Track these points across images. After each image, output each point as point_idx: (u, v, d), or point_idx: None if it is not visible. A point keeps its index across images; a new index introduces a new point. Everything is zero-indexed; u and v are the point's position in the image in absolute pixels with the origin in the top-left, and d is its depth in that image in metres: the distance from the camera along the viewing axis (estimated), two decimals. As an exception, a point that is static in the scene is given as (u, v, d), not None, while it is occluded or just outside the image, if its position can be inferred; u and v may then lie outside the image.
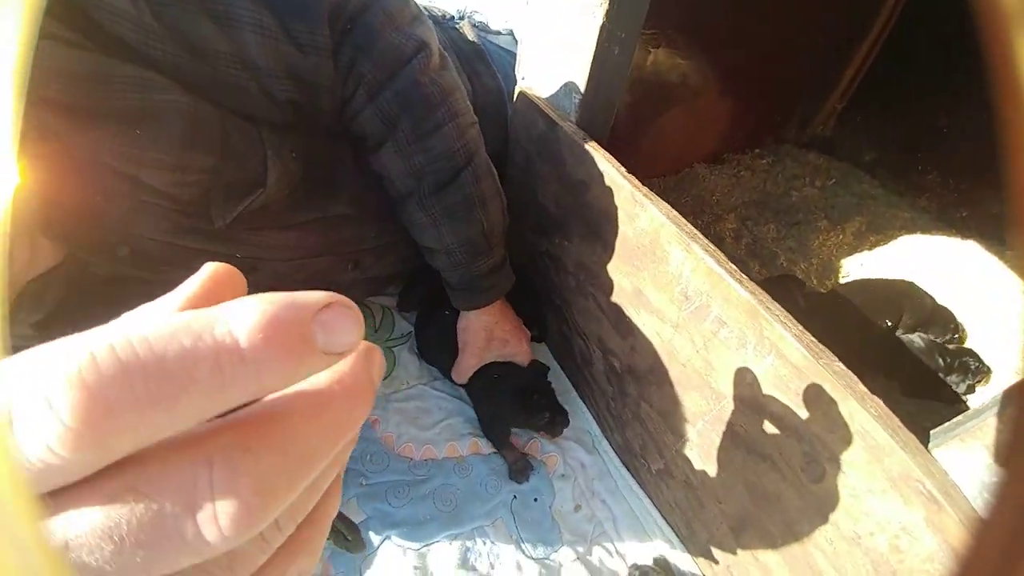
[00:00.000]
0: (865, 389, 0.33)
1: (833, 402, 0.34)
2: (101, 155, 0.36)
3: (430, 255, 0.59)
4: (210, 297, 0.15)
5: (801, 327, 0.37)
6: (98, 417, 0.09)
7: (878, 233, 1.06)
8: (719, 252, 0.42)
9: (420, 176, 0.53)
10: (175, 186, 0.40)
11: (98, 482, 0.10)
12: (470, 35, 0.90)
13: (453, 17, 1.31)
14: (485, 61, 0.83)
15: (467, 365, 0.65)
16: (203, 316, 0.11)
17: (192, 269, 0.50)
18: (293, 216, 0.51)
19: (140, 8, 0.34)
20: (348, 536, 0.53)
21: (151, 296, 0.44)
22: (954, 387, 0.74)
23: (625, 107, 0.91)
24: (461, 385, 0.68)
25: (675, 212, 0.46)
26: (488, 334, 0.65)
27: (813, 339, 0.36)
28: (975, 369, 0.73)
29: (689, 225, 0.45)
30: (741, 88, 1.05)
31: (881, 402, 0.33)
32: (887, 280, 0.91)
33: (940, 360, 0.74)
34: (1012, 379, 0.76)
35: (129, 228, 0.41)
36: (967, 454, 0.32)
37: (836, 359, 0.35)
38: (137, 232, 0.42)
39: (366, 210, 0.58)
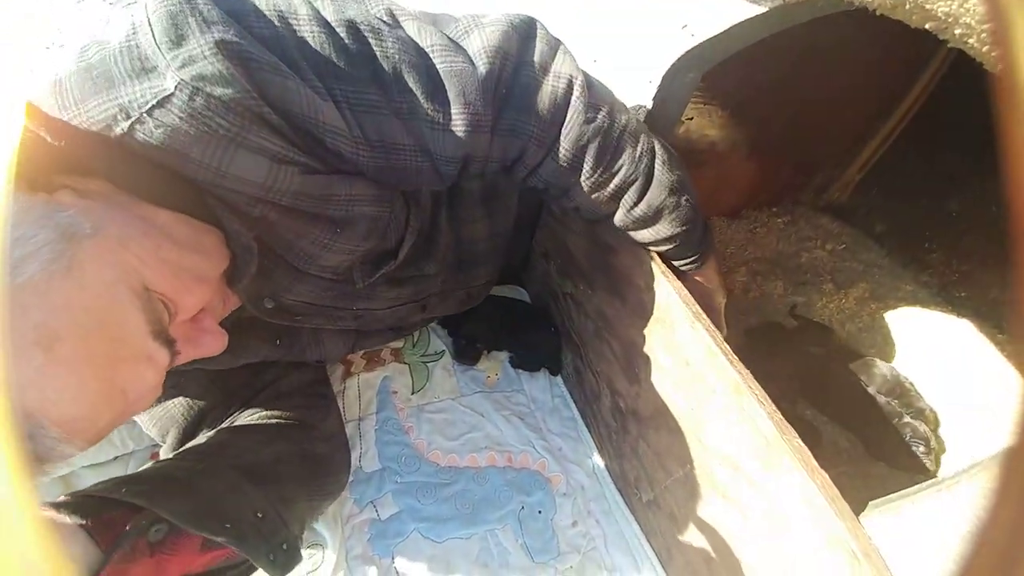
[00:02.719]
0: (815, 463, 0.42)
1: (789, 470, 0.43)
2: (301, 242, 0.46)
3: (650, 244, 0.59)
4: None
5: (773, 405, 0.46)
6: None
7: (879, 301, 1.13)
8: (718, 333, 0.52)
9: (619, 196, 0.54)
10: (343, 263, 0.51)
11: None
12: None
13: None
14: None
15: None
16: None
17: (318, 318, 0.64)
18: (400, 274, 0.62)
19: (350, 124, 0.41)
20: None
21: (283, 327, 0.59)
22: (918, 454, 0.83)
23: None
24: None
25: (686, 291, 0.56)
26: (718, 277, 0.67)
27: (782, 417, 0.45)
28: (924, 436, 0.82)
29: (696, 306, 0.54)
30: (767, 155, 1.13)
31: (826, 475, 0.42)
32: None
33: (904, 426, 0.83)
34: (973, 457, 0.84)
35: (280, 291, 0.52)
36: (887, 524, 0.40)
37: (797, 436, 0.44)
38: (286, 295, 0.52)
39: (443, 267, 0.68)
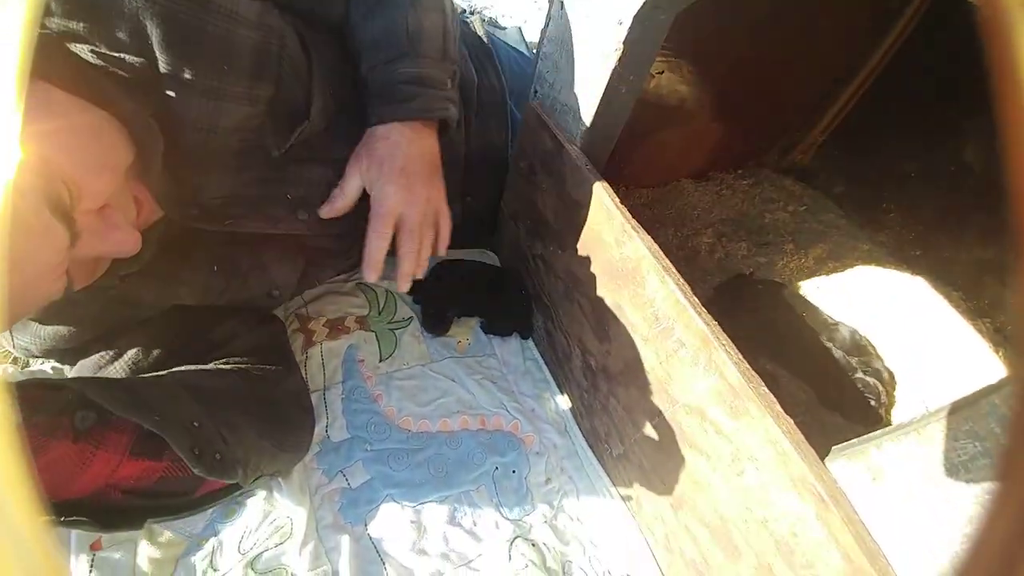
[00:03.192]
0: (780, 410, 0.43)
1: (756, 417, 0.44)
2: (193, 97, 0.43)
3: (360, 65, 0.55)
4: None
5: (740, 355, 0.46)
6: None
7: (837, 261, 1.17)
8: (687, 286, 0.51)
9: None
10: (247, 119, 0.47)
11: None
12: (479, 31, 0.95)
13: (465, 11, 1.34)
14: (492, 60, 0.88)
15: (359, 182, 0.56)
16: None
17: (252, 217, 0.60)
18: (331, 151, 0.57)
19: None
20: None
21: (219, 249, 0.57)
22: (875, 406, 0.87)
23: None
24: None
25: (656, 246, 0.55)
26: (407, 159, 0.55)
27: (748, 367, 0.45)
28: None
29: (666, 259, 0.54)
30: (734, 115, 1.13)
31: (791, 421, 0.43)
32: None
33: (858, 380, 0.87)
34: (926, 405, 0.89)
35: (198, 190, 0.49)
36: (853, 468, 0.42)
37: (763, 384, 0.45)
38: (206, 193, 0.50)
39: None
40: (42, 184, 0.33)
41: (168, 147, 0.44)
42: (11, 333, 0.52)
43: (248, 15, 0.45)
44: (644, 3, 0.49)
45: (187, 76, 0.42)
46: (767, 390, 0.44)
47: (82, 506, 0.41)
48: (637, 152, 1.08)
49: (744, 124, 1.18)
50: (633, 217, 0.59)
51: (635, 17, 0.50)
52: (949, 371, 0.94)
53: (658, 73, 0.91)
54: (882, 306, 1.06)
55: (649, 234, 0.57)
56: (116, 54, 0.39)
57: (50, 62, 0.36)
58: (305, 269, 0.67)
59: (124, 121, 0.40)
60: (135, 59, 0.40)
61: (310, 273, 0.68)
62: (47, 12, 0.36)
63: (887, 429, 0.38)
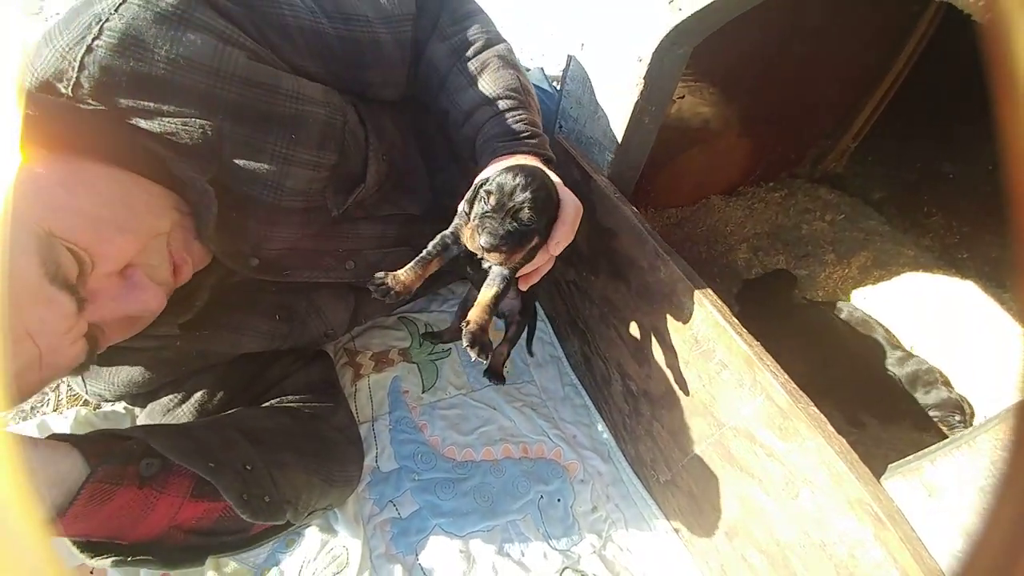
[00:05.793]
0: (832, 429, 0.42)
1: (807, 438, 0.43)
2: (261, 162, 0.47)
3: (469, 120, 0.59)
4: None
5: (786, 375, 0.46)
6: None
7: (882, 268, 1.12)
8: (725, 308, 0.52)
9: (460, 50, 0.59)
10: (310, 183, 0.52)
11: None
12: None
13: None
14: None
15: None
16: None
17: (306, 267, 0.65)
18: (380, 209, 0.64)
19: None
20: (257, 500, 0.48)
21: (278, 297, 0.61)
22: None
23: (649, 146, 0.99)
24: None
25: (691, 269, 0.56)
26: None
27: (795, 386, 0.45)
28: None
29: (701, 281, 0.54)
30: (760, 129, 1.13)
31: (844, 440, 0.42)
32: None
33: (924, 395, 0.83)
34: (984, 412, 0.84)
35: (260, 242, 0.53)
36: (908, 486, 0.40)
37: (811, 404, 0.44)
38: (266, 245, 0.54)
39: (426, 212, 0.70)
40: (40, 257, 0.36)
41: (234, 202, 0.48)
42: (84, 380, 0.57)
43: (314, 95, 0.50)
44: (662, 40, 0.52)
45: (256, 143, 0.47)
46: (816, 410, 0.43)
47: (147, 547, 0.44)
48: (664, 174, 1.09)
49: (772, 137, 1.18)
50: (664, 237, 0.59)
51: (654, 53, 0.53)
52: (1005, 374, 0.89)
53: (679, 98, 0.93)
54: (933, 312, 1.01)
55: (681, 252, 0.58)
56: (181, 119, 0.43)
57: (94, 135, 0.40)
58: (356, 307, 0.71)
59: (174, 187, 0.44)
60: (202, 122, 0.43)
61: (360, 311, 0.73)
62: (115, 89, 0.40)
63: (940, 444, 0.37)
